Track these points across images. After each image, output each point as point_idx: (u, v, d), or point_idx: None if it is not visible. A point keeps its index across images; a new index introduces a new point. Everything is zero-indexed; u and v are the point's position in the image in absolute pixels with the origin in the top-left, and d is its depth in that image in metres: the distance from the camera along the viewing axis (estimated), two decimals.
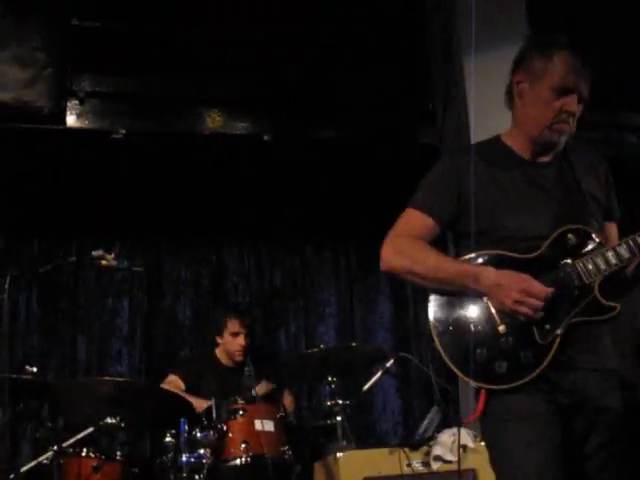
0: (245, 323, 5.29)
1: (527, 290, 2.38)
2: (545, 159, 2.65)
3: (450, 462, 4.01)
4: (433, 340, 2.49)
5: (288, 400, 5.27)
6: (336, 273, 7.26)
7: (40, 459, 4.10)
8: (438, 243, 2.64)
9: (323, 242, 7.26)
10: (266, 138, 5.87)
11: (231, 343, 5.29)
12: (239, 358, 5.26)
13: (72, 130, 5.53)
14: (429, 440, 4.13)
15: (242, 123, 5.92)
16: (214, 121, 5.87)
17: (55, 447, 4.05)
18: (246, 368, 4.72)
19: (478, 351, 2.42)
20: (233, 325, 5.29)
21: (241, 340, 5.24)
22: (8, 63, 5.10)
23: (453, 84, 5.25)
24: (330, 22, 5.50)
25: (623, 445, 2.50)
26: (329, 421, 4.45)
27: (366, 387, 4.87)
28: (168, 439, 4.17)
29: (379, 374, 4.81)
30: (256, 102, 5.96)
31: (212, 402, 4.32)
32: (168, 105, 5.79)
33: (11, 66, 5.09)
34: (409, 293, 7.25)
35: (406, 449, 4.07)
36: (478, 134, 4.69)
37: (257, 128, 5.93)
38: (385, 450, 4.12)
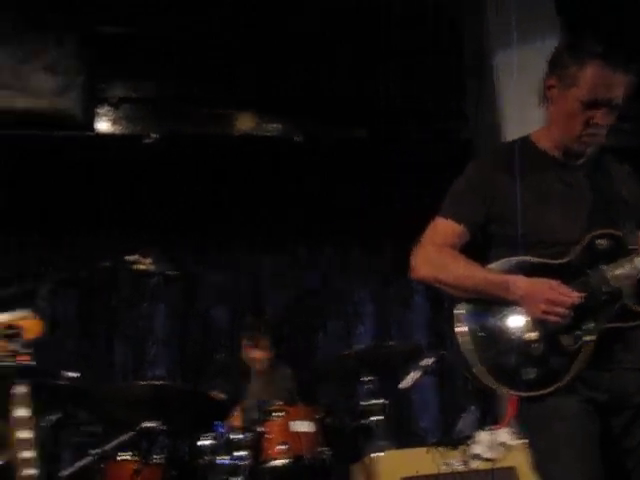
0: (254, 338, 5.26)
1: (553, 300, 2.35)
2: (578, 161, 2.59)
3: (489, 460, 3.98)
4: (458, 346, 2.46)
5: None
6: (370, 272, 7.23)
7: (80, 464, 4.14)
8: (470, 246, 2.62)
9: (356, 242, 7.23)
10: (297, 139, 5.86)
11: (247, 353, 5.30)
12: (257, 367, 5.26)
13: (104, 136, 5.58)
14: (467, 439, 4.10)
15: (273, 124, 5.92)
16: (245, 123, 5.88)
17: (95, 451, 4.09)
18: (283, 369, 4.70)
19: (507, 358, 2.41)
20: (245, 339, 5.31)
21: (253, 353, 5.24)
22: (41, 72, 5.18)
23: (485, 81, 5.22)
24: (359, 26, 5.48)
25: None
26: (368, 421, 4.43)
27: (406, 386, 4.81)
28: (206, 441, 4.18)
29: (419, 373, 4.74)
30: (287, 103, 5.96)
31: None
32: (198, 108, 5.80)
33: (45, 74, 5.18)
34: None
35: (443, 448, 4.04)
36: (511, 131, 4.70)
37: (289, 130, 5.94)
38: (422, 450, 4.09)
